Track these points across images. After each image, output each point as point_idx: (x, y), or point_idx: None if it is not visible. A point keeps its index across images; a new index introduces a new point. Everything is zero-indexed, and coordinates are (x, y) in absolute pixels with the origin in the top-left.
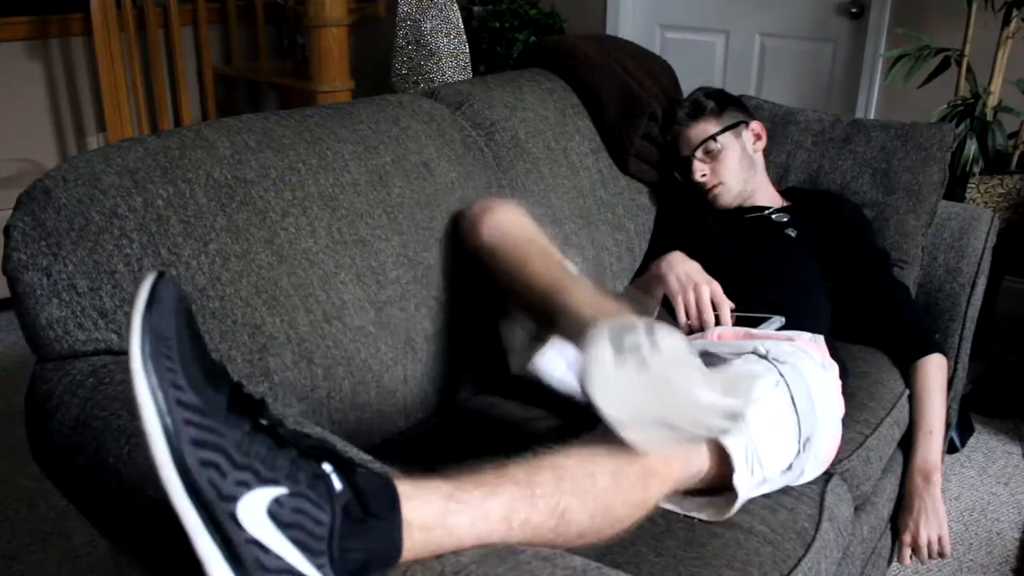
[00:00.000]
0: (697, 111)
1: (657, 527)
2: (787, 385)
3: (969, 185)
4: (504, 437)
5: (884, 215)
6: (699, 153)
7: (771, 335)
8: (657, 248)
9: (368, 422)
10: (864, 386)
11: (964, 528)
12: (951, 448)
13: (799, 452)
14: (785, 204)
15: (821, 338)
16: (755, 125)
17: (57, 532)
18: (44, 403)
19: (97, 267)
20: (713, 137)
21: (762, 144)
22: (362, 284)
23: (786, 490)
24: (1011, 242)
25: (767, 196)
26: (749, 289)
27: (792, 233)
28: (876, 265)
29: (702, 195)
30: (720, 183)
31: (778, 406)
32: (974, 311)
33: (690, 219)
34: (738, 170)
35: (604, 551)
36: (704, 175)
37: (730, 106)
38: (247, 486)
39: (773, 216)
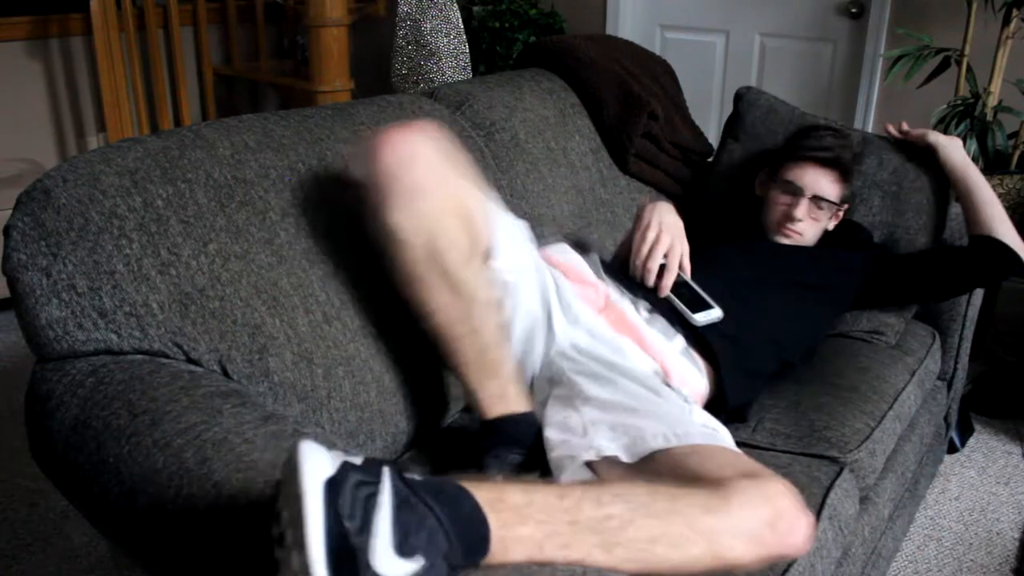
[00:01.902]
0: (840, 167)
1: None
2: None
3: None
4: None
5: (894, 236)
6: (811, 198)
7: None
8: None
9: (368, 422)
10: (866, 380)
11: (964, 528)
12: (951, 448)
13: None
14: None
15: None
16: (842, 210)
17: (57, 532)
18: (44, 403)
19: (97, 267)
20: (833, 203)
21: (834, 223)
22: (362, 284)
23: None
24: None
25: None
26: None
27: (805, 265)
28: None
29: (764, 221)
30: (800, 233)
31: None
32: (974, 311)
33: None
34: (815, 234)
35: None
36: (801, 217)
37: (852, 179)
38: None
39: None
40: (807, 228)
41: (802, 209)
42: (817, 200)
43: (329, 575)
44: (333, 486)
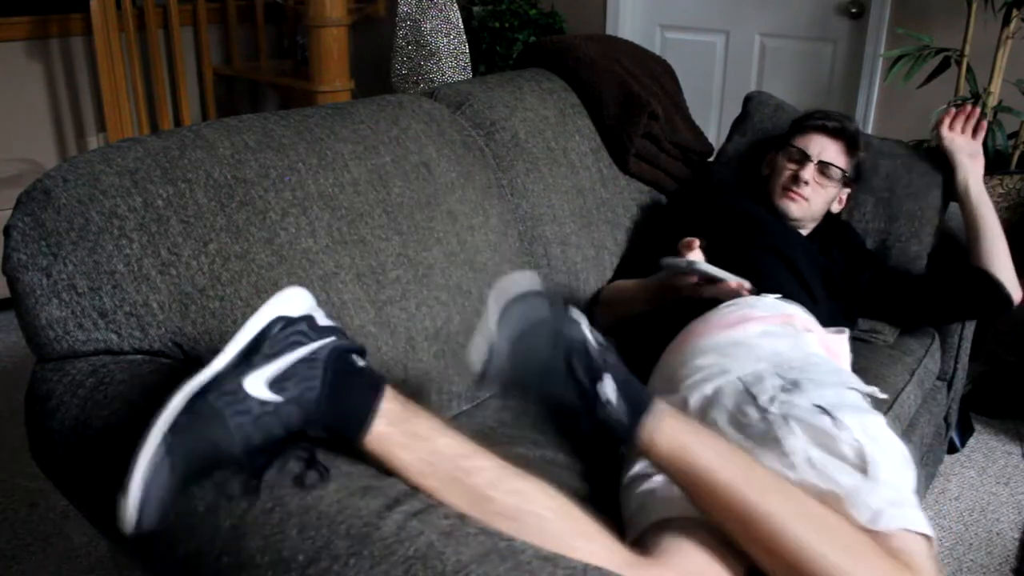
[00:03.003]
0: (846, 137)
1: None
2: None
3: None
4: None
5: (887, 244)
6: (817, 163)
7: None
8: (664, 237)
9: None
10: (866, 380)
11: (964, 528)
12: (951, 448)
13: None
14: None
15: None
16: (849, 191)
17: (57, 532)
18: (44, 403)
19: (97, 267)
20: (840, 169)
21: (839, 208)
22: (362, 284)
23: None
24: (1011, 242)
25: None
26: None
27: (814, 251)
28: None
29: (770, 188)
30: (806, 199)
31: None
32: None
33: (730, 202)
34: (821, 206)
35: None
36: (807, 182)
37: (859, 159)
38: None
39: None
40: (813, 195)
41: (808, 171)
42: (824, 166)
43: (230, 361)
44: (284, 320)
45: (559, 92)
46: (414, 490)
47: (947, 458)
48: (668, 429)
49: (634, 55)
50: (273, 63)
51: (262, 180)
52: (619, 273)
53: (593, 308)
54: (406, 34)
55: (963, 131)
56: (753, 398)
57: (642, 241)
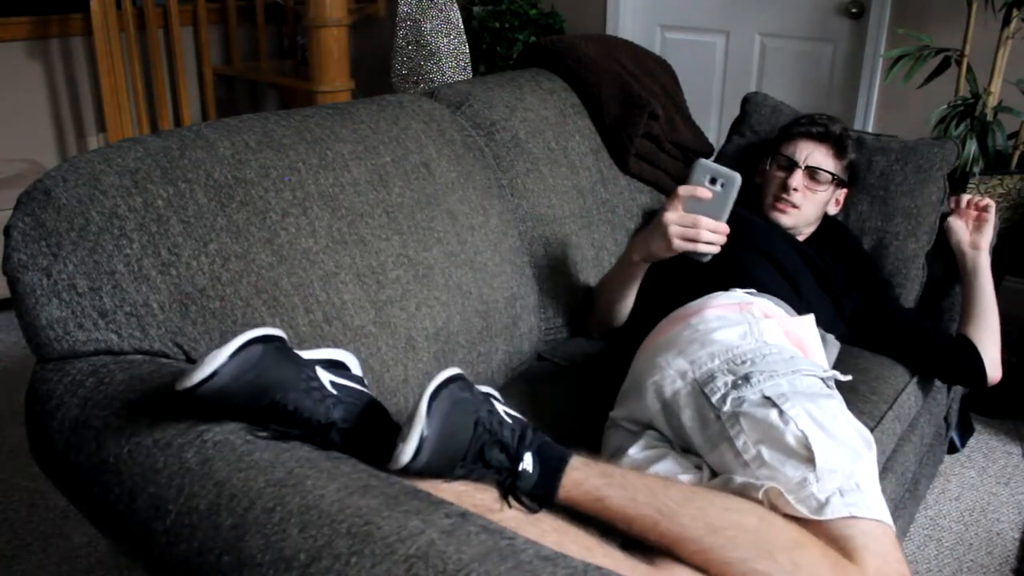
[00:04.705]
0: (832, 140)
1: None
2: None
3: (969, 185)
4: None
5: (883, 242)
6: (805, 169)
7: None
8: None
9: None
10: (866, 381)
11: (964, 528)
12: (951, 448)
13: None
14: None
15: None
16: (845, 192)
17: (57, 532)
18: (44, 403)
19: (97, 267)
20: (829, 173)
21: (836, 210)
22: (362, 284)
23: None
24: (1011, 242)
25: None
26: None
27: (810, 254)
28: (884, 291)
29: (762, 197)
30: (797, 207)
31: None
32: None
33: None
34: (814, 211)
35: None
36: (796, 189)
37: (851, 160)
38: None
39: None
40: (804, 202)
41: (797, 178)
42: (812, 171)
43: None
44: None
45: (559, 92)
46: (415, 488)
47: (947, 458)
48: (581, 482)
49: (634, 55)
50: (273, 63)
51: (262, 180)
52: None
53: (588, 319)
54: (406, 34)
55: (969, 223)
56: (707, 398)
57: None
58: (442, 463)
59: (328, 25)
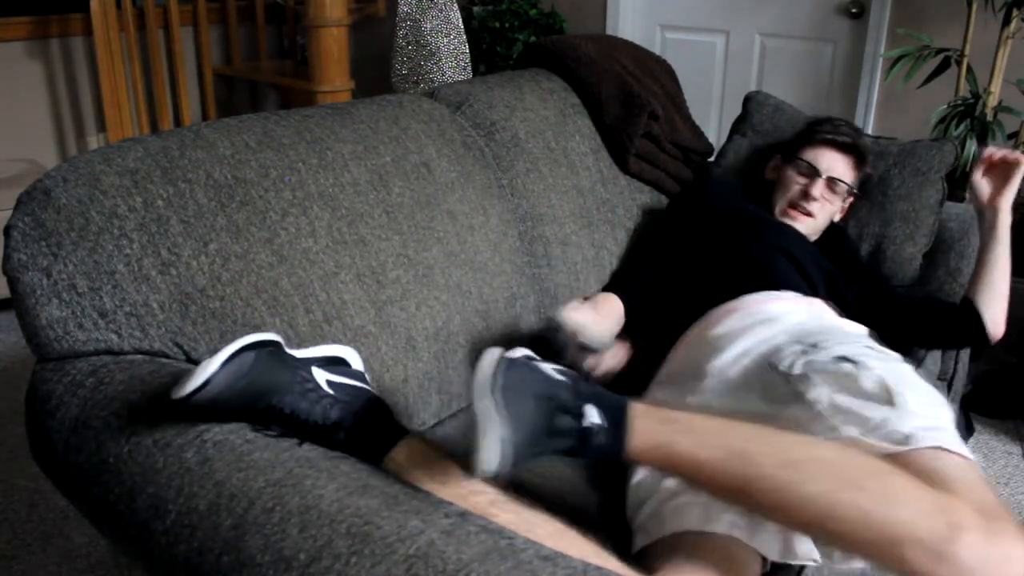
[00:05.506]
0: (856, 152)
1: None
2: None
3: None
4: None
5: (881, 247)
6: (826, 179)
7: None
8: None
9: None
10: None
11: None
12: None
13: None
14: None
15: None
16: (852, 200)
17: (57, 532)
18: (44, 403)
19: (97, 267)
20: (847, 185)
21: (840, 217)
22: (362, 284)
23: None
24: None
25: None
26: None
27: (817, 252)
28: (882, 281)
29: (775, 199)
30: (813, 215)
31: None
32: None
33: (731, 205)
34: (825, 220)
35: None
36: (816, 199)
37: (865, 175)
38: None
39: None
40: (819, 210)
41: (818, 188)
42: (832, 182)
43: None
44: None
45: (559, 92)
46: (415, 488)
47: None
48: (645, 431)
49: (634, 55)
50: (273, 63)
51: (262, 180)
52: (619, 273)
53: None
54: (406, 34)
55: (996, 178)
56: (774, 368)
57: (643, 246)
58: (525, 454)
59: (328, 25)
